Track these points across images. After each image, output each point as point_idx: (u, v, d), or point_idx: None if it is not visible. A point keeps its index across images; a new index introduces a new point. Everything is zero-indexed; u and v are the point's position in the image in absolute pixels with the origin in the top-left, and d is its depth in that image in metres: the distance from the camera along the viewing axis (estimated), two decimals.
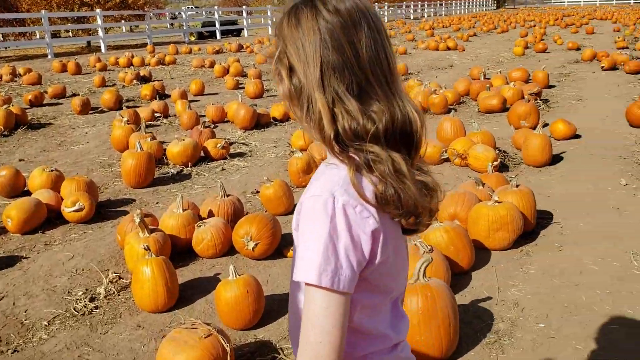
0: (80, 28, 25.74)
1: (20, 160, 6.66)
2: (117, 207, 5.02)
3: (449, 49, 18.98)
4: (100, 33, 23.18)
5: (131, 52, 20.02)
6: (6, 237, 4.36)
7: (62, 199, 4.65)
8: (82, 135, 7.97)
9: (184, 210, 3.97)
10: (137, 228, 3.60)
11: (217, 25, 29.65)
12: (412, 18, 50.30)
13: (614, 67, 12.32)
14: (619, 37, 17.68)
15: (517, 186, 3.98)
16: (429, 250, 3.10)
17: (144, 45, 24.58)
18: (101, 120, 8.91)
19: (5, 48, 24.00)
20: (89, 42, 25.95)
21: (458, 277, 3.36)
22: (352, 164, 1.06)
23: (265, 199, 4.55)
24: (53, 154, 7.01)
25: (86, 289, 3.44)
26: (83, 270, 3.71)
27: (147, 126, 8.23)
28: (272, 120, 8.38)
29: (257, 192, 5.27)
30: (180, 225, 3.86)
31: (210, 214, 4.13)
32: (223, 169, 6.09)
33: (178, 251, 3.88)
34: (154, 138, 6.50)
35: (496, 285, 3.26)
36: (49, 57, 20.53)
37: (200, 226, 3.82)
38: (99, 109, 9.78)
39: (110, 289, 3.38)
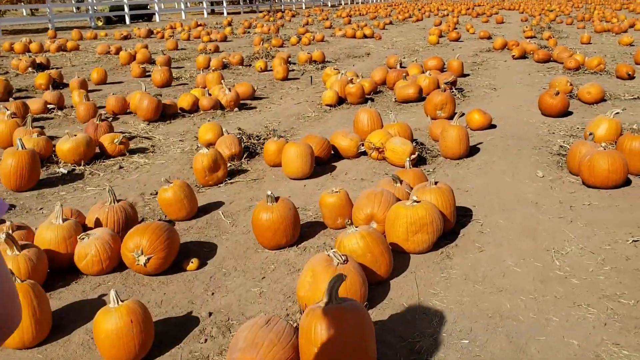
0: None
1: None
2: None
3: (365, 37, 18.89)
4: None
5: (29, 37, 18.48)
6: None
7: None
8: None
9: (64, 220, 3.42)
10: (3, 245, 3.04)
11: (127, 9, 28.08)
12: (329, 5, 50.21)
13: (524, 56, 12.61)
14: (527, 27, 18.26)
15: (436, 183, 3.74)
16: (344, 261, 2.77)
17: (46, 30, 22.84)
18: None
19: None
20: None
21: (375, 288, 3.06)
22: None
23: (164, 202, 4.07)
24: None
25: None
26: None
27: (39, 119, 7.45)
28: (179, 110, 7.80)
29: (157, 193, 4.75)
30: (59, 239, 3.32)
31: (98, 223, 3.60)
32: (121, 167, 5.50)
33: (58, 268, 3.34)
34: (41, 133, 5.79)
35: (417, 295, 2.99)
36: None
37: (83, 239, 3.30)
38: None
39: None
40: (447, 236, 3.65)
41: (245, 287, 3.16)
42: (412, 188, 4.00)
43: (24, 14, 32.47)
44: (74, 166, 5.47)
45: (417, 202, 3.42)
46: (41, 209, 4.49)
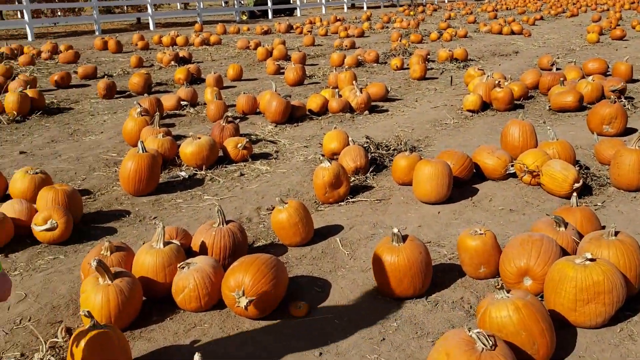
0: (129, 4, 25.32)
1: (21, 152, 5.96)
2: (106, 222, 4.19)
3: (513, 33, 17.38)
4: (150, 10, 22.67)
5: (177, 30, 19.40)
6: None
7: (36, 212, 3.84)
8: (99, 124, 7.23)
9: (166, 243, 3.06)
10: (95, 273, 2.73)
11: (270, 3, 28.71)
12: None
13: None
14: None
15: (616, 234, 2.87)
16: (491, 347, 2.07)
17: (194, 23, 23.96)
18: (125, 107, 8.16)
19: (54, 24, 23.87)
20: (138, 19, 25.62)
21: None
22: None
23: (278, 225, 3.60)
24: (60, 145, 6.29)
25: (21, 354, 2.59)
26: (30, 320, 2.88)
27: (171, 116, 7.45)
28: (307, 112, 7.40)
29: (273, 208, 4.32)
30: (158, 266, 2.97)
31: (203, 248, 3.22)
32: (241, 174, 5.17)
33: (156, 298, 3.00)
34: (168, 134, 5.65)
35: None
36: (97, 33, 20.20)
37: (183, 268, 2.92)
38: (126, 93, 9.06)
39: (49, 359, 2.52)
40: (629, 305, 2.78)
41: (359, 350, 2.57)
42: (579, 234, 3.16)
43: (178, 7, 34.57)
44: (196, 170, 5.24)
45: (591, 260, 2.60)
46: (154, 218, 4.26)
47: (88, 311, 2.29)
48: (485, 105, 7.39)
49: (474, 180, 4.67)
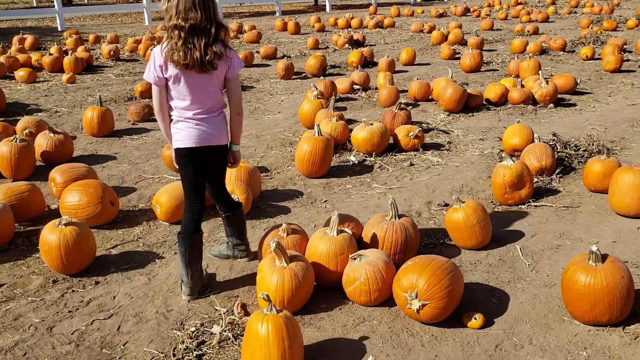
0: None
1: None
2: (281, 200, 4.32)
3: None
4: None
5: (352, 12, 19.61)
6: (154, 224, 3.94)
7: None
8: (277, 104, 7.54)
9: (339, 232, 3.04)
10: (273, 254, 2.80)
11: None
12: None
13: None
14: None
15: None
16: None
17: (369, 5, 24.06)
18: (300, 88, 8.42)
19: (240, 4, 25.48)
20: (316, 1, 26.35)
21: None
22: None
23: (452, 225, 3.41)
24: (243, 122, 6.63)
25: (201, 324, 2.74)
26: (209, 291, 3.04)
27: (343, 99, 7.52)
28: (484, 102, 6.99)
29: (446, 205, 4.13)
30: (331, 254, 2.96)
31: (374, 240, 3.15)
32: (411, 164, 5.03)
33: (325, 285, 3.01)
34: (341, 118, 5.68)
35: None
36: (277, 14, 21.19)
37: (355, 259, 2.87)
38: (303, 74, 9.34)
39: (226, 334, 2.63)
40: None
41: None
42: None
43: None
44: (365, 156, 5.21)
45: None
46: (325, 201, 4.30)
47: (267, 295, 2.34)
48: None
49: None
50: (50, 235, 3.17)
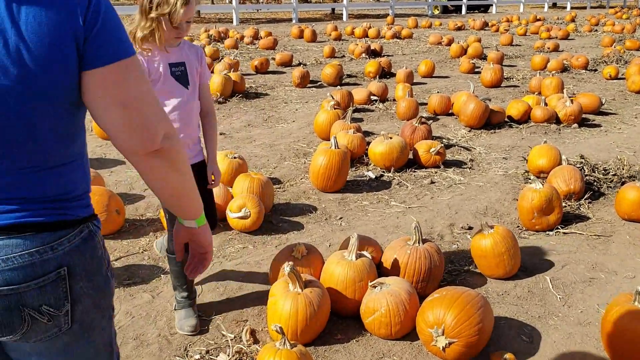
0: None
1: (220, 134, 6.22)
2: (293, 215, 4.11)
3: None
4: (344, 0, 23.09)
5: (369, 22, 19.46)
6: (161, 235, 3.74)
7: (232, 198, 3.87)
8: (292, 112, 7.34)
9: (358, 256, 2.83)
10: (287, 277, 2.58)
11: None
12: None
13: None
14: None
15: None
16: None
17: (386, 15, 23.93)
18: (316, 97, 8.22)
19: (257, 10, 25.44)
20: (333, 9, 26.28)
21: None
22: None
23: (479, 252, 3.18)
24: (256, 130, 6.46)
25: (206, 351, 2.53)
26: (215, 314, 2.83)
27: (360, 110, 7.32)
28: (506, 119, 6.76)
29: (470, 228, 3.90)
30: (348, 280, 2.74)
31: (395, 267, 2.93)
32: (432, 182, 4.80)
33: (340, 314, 2.78)
34: (358, 130, 5.47)
35: None
36: (294, 21, 21.09)
37: (375, 287, 2.65)
38: (318, 83, 9.16)
39: None
40: None
41: None
42: None
43: None
44: (383, 171, 5.00)
45: None
46: (340, 218, 4.09)
47: (280, 327, 2.13)
48: None
49: None
50: None
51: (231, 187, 4.15)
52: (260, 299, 2.95)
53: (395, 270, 2.92)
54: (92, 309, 1.22)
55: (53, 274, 1.12)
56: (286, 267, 2.50)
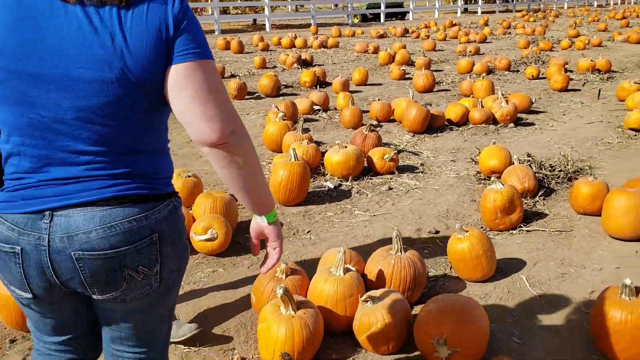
0: (248, 5, 25.96)
1: None
2: None
3: None
4: (267, 11, 23.06)
5: (294, 32, 19.50)
6: None
7: (193, 220, 3.69)
8: None
9: (345, 270, 2.75)
10: (279, 300, 2.46)
11: (383, 7, 28.33)
12: (595, 5, 44.72)
13: None
14: None
15: None
16: None
17: (307, 25, 24.09)
18: (256, 109, 8.09)
19: None
20: (254, 20, 26.17)
21: None
22: None
23: (456, 256, 3.19)
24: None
25: None
26: (198, 345, 2.66)
27: (305, 120, 7.25)
28: (446, 123, 6.93)
29: (437, 232, 3.93)
30: (339, 296, 2.66)
31: (380, 278, 2.88)
32: (390, 188, 4.81)
33: (332, 332, 2.70)
34: (311, 141, 5.41)
35: None
36: (216, 33, 20.79)
37: (367, 302, 2.59)
38: (256, 94, 9.02)
39: None
40: None
41: None
42: None
43: (289, 9, 35.04)
44: (341, 181, 4.96)
45: None
46: (308, 232, 4.00)
47: (288, 355, 2.01)
48: None
49: None
50: None
51: (190, 207, 3.97)
52: (244, 324, 2.82)
53: (380, 281, 2.87)
54: (174, 271, 1.44)
55: (147, 239, 1.34)
56: (279, 291, 2.39)
